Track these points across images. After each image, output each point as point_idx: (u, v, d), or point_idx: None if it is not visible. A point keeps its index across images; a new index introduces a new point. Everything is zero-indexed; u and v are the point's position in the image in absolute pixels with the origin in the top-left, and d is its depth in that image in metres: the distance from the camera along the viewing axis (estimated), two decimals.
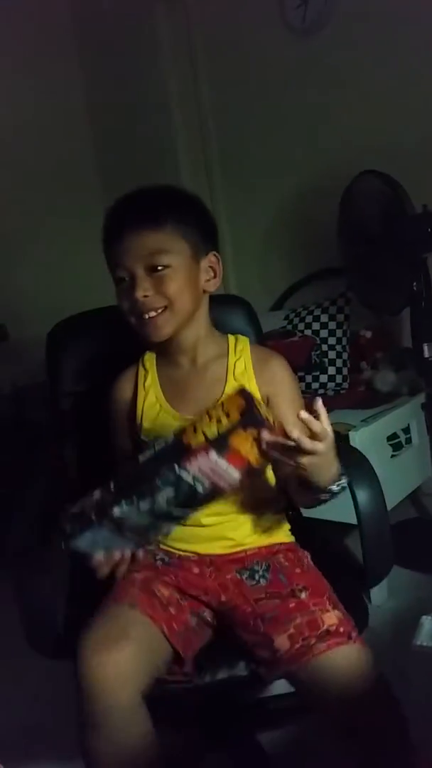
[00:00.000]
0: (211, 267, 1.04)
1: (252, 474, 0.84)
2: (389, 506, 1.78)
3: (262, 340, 1.35)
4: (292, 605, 0.97)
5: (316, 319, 2.23)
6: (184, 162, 2.73)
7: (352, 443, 1.63)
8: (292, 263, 2.51)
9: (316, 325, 2.22)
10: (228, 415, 0.79)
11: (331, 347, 2.18)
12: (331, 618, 0.94)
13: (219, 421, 0.79)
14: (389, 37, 2.06)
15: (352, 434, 1.64)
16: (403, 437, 1.90)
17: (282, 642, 0.92)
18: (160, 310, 0.99)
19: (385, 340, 2.22)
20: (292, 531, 1.14)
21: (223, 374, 1.04)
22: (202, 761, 1.27)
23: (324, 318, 2.22)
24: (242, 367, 1.04)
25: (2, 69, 2.58)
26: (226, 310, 1.27)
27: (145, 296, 0.97)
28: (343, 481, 0.92)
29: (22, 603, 1.02)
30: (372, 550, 1.10)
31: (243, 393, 0.82)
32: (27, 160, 2.64)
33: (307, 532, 1.18)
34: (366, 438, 1.67)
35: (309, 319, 2.25)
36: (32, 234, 2.66)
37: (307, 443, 0.81)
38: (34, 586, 1.02)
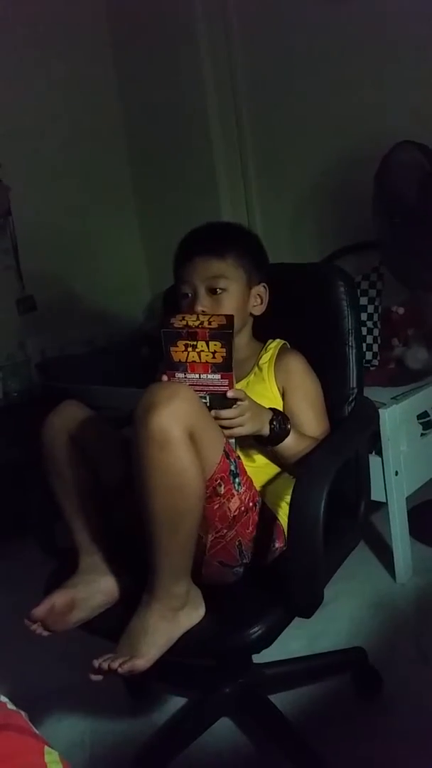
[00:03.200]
0: (259, 295, 1.20)
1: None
2: (417, 485, 1.79)
3: (354, 311, 1.28)
4: None
5: None
6: (215, 132, 2.69)
7: (381, 421, 1.61)
8: (322, 237, 2.46)
9: None
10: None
11: (362, 323, 2.15)
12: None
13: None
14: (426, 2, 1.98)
15: (381, 412, 1.61)
16: None
17: None
18: None
19: (417, 316, 2.18)
20: None
21: (252, 361, 1.22)
22: (213, 724, 1.30)
23: None
24: (267, 358, 1.20)
25: (35, 63, 2.60)
26: (328, 279, 1.28)
27: (203, 311, 1.12)
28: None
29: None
30: (298, 577, 0.92)
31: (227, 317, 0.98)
32: (63, 150, 2.71)
33: None
34: (396, 416, 1.65)
35: None
36: (63, 211, 2.71)
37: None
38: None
